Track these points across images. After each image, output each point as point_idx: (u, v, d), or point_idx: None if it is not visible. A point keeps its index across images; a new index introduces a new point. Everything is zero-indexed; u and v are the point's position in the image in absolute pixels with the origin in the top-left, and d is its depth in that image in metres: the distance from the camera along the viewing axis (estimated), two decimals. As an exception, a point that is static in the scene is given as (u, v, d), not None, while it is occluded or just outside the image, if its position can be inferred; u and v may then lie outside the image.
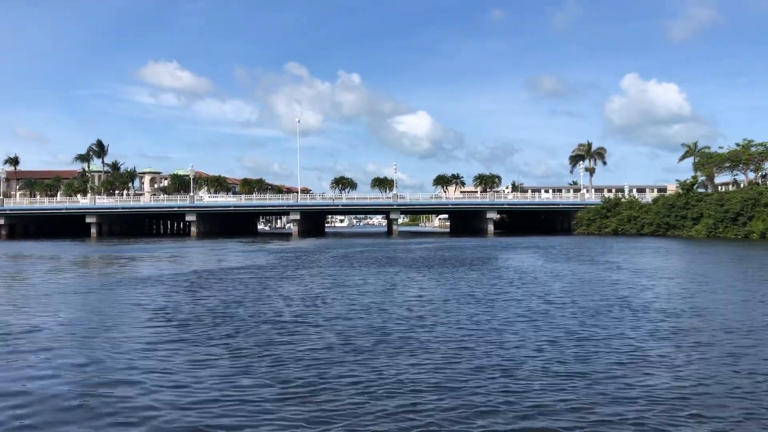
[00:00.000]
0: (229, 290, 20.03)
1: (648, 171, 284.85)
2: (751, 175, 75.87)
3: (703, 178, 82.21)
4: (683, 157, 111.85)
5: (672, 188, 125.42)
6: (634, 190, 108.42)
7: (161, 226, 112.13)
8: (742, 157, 74.74)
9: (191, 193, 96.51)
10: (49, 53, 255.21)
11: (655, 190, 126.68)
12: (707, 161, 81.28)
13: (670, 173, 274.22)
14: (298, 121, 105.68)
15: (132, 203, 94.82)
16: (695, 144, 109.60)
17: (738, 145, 75.94)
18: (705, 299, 17.30)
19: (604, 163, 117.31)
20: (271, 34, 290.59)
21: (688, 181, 78.13)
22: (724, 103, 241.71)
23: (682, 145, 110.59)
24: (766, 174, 75.28)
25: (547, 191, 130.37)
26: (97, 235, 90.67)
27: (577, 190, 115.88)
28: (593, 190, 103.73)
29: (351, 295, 18.50)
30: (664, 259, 34.62)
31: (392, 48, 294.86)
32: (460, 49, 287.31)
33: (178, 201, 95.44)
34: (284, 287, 20.77)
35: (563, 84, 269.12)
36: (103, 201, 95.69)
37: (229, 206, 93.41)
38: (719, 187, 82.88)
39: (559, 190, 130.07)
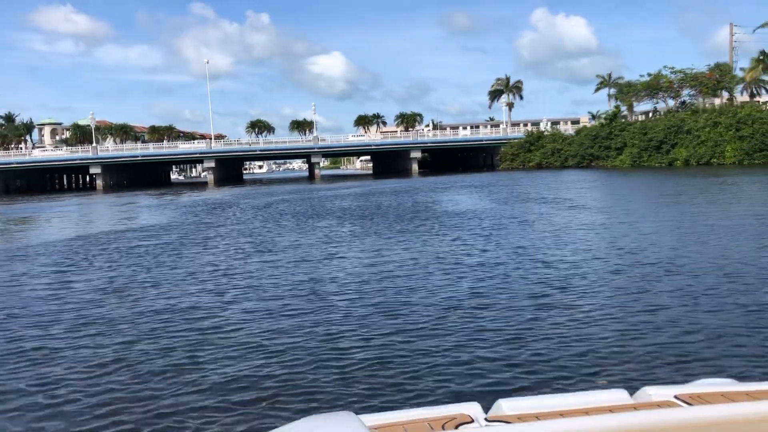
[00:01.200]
0: (116, 265, 14.97)
1: (558, 104, 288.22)
2: (671, 103, 74.62)
3: (624, 108, 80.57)
4: (598, 88, 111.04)
5: (585, 120, 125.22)
6: (549, 124, 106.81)
7: (64, 181, 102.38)
8: (662, 85, 73.14)
9: (93, 144, 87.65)
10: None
11: (569, 122, 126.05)
12: (627, 91, 79.50)
13: (580, 106, 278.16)
14: (207, 62, 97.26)
15: (28, 158, 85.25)
16: (609, 75, 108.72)
17: (650, 74, 74.36)
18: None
19: (521, 97, 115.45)
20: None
21: (610, 112, 76.30)
22: (629, 35, 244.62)
23: (597, 76, 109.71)
24: (684, 101, 74.09)
25: (465, 128, 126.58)
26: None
27: (495, 126, 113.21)
28: (511, 125, 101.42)
29: (278, 267, 13.79)
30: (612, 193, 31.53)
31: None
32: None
33: (79, 153, 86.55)
34: (188, 257, 15.88)
35: (475, 20, 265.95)
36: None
37: (137, 156, 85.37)
38: (637, 117, 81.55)
39: (477, 127, 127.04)
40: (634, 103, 78.71)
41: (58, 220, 32.43)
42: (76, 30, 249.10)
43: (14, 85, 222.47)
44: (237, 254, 15.86)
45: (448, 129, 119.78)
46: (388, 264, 13.18)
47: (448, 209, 25.57)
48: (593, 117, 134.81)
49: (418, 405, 4.62)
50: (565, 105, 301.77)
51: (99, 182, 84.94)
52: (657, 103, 77.11)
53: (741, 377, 4.82)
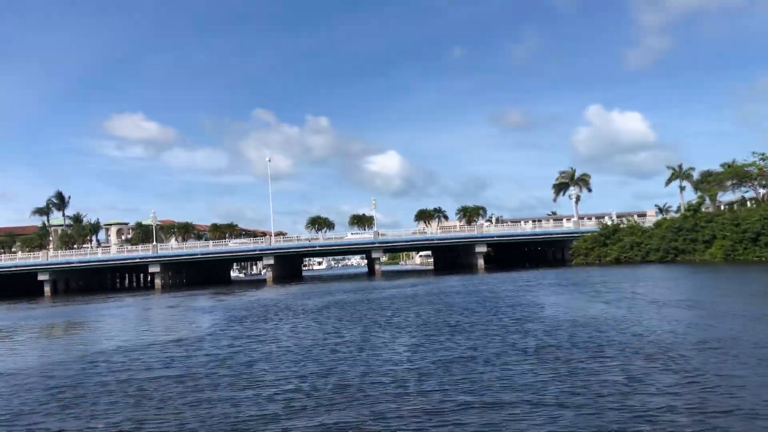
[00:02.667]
0: (105, 410, 9.35)
1: (618, 199, 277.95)
2: (762, 191, 66.96)
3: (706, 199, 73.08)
4: (669, 180, 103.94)
5: (651, 213, 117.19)
6: (615, 217, 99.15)
7: (126, 281, 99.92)
8: (751, 173, 65.95)
9: (153, 242, 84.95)
10: (12, 110, 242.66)
11: (635, 216, 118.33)
12: (710, 180, 72.47)
13: (641, 200, 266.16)
14: (269, 160, 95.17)
15: (88, 257, 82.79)
16: (680, 166, 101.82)
17: (731, 163, 67.46)
18: None
19: (590, 190, 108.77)
20: (236, 82, 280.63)
21: (694, 202, 69.04)
22: (686, 129, 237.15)
23: (667, 168, 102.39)
24: (776, 189, 66.48)
25: (526, 222, 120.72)
26: (51, 293, 78.50)
27: (557, 220, 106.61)
28: (579, 218, 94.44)
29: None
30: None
31: (358, 90, 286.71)
32: (425, 88, 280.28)
33: (139, 251, 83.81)
34: (210, 400, 10.16)
35: (528, 117, 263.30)
36: (58, 256, 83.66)
37: (196, 254, 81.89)
38: (719, 207, 73.78)
39: (539, 221, 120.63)
40: (719, 193, 71.21)
41: (84, 329, 27.48)
42: (146, 136, 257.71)
43: (88, 189, 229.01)
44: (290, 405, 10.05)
45: (508, 223, 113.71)
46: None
47: (545, 314, 19.37)
48: (660, 210, 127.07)
49: None
50: (626, 199, 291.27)
51: (157, 281, 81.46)
52: (746, 192, 69.50)
53: None
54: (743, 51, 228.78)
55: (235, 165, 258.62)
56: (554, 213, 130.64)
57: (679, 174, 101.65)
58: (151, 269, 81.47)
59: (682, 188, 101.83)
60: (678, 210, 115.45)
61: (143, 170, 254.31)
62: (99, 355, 16.93)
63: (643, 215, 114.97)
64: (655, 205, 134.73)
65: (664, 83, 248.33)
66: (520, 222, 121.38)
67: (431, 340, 16.00)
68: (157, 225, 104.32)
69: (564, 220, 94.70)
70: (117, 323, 28.68)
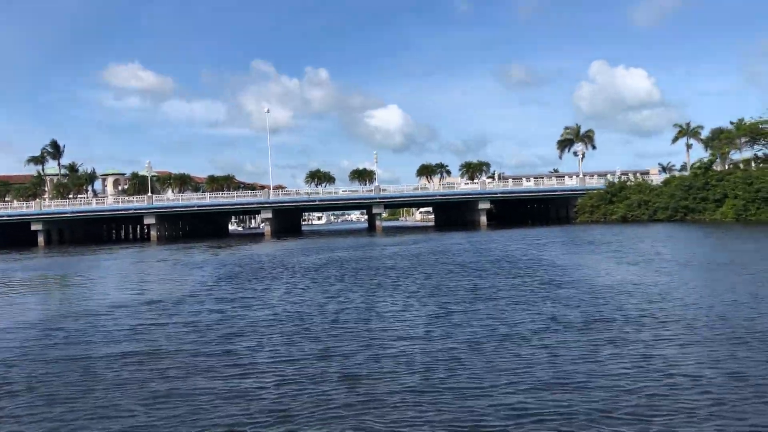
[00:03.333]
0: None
1: (621, 157, 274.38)
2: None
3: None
4: (676, 138, 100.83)
5: (654, 172, 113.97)
6: (621, 174, 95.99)
7: (121, 232, 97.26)
8: (766, 130, 62.70)
9: (149, 194, 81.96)
10: (9, 58, 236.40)
11: (638, 174, 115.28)
12: (722, 138, 69.24)
13: (643, 159, 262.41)
14: (267, 111, 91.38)
15: (82, 207, 79.87)
16: (688, 124, 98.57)
17: (745, 120, 63.94)
18: None
19: (594, 147, 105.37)
20: (235, 33, 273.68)
21: (706, 160, 66.02)
22: (692, 88, 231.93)
23: (674, 125, 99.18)
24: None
25: (528, 180, 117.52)
26: (45, 243, 76.00)
27: (560, 177, 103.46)
28: (583, 176, 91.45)
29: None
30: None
31: (359, 43, 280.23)
32: (428, 42, 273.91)
33: (134, 203, 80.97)
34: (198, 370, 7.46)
35: (532, 72, 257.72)
36: (52, 206, 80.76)
37: (192, 206, 79.01)
38: (730, 166, 70.60)
39: (541, 178, 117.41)
40: (732, 152, 67.93)
41: (58, 285, 24.85)
42: (144, 86, 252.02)
43: (86, 139, 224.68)
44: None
45: (510, 180, 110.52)
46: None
47: (563, 273, 16.73)
48: (663, 169, 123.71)
49: None
50: (629, 158, 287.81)
51: (153, 233, 78.94)
52: (759, 150, 66.28)
53: None
54: (751, 9, 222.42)
55: (234, 117, 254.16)
56: (556, 170, 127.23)
57: (686, 132, 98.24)
58: (146, 221, 78.86)
59: (689, 146, 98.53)
60: (682, 169, 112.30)
61: (142, 121, 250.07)
62: (58, 320, 14.25)
63: (645, 173, 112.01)
64: (659, 164, 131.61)
65: (670, 41, 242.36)
66: (522, 179, 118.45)
67: (449, 309, 13.31)
68: (154, 176, 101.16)
69: (566, 178, 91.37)
70: (98, 278, 26.02)
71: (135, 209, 78.84)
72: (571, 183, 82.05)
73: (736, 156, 67.99)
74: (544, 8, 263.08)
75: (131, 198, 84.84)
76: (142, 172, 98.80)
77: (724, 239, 33.57)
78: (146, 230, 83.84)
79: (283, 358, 9.43)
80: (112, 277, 26.76)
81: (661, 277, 17.42)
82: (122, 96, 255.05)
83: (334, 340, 10.56)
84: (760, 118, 63.23)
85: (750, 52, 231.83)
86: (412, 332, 11.00)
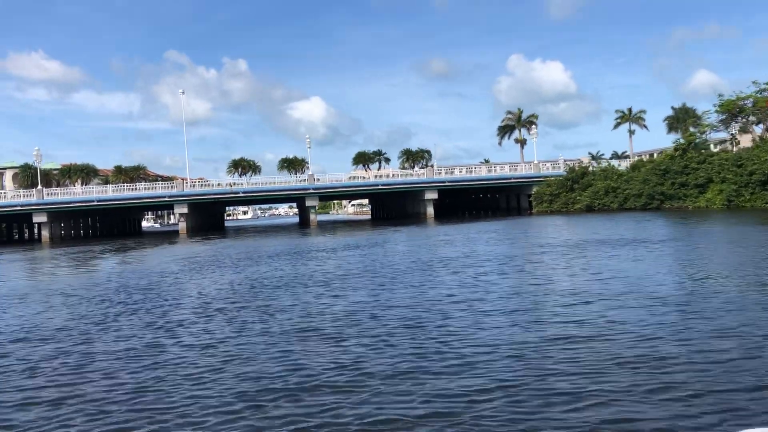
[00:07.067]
0: None
1: (540, 149, 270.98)
2: (760, 128, 55.78)
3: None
4: (618, 124, 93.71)
5: (585, 161, 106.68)
6: (563, 162, 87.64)
7: (12, 232, 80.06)
8: (747, 107, 54.50)
9: (39, 187, 66.06)
10: None
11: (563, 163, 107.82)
12: (694, 117, 61.01)
13: (561, 150, 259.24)
14: (182, 93, 76.86)
15: (-46, 204, 63.35)
16: (630, 110, 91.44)
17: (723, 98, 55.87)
18: None
19: (537, 133, 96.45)
20: (147, 21, 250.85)
21: (682, 141, 57.32)
22: (605, 80, 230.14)
23: (616, 111, 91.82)
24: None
25: (461, 170, 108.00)
26: None
27: (513, 165, 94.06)
28: (537, 162, 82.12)
29: None
30: None
31: (278, 34, 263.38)
32: (349, 35, 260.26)
33: (21, 198, 65.20)
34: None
35: (452, 66, 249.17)
36: None
37: (91, 200, 63.85)
38: (712, 147, 61.94)
39: (472, 168, 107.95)
40: (708, 133, 59.40)
41: None
42: (48, 77, 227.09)
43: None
44: None
45: (443, 171, 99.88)
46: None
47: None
48: (593, 158, 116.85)
49: None
50: (548, 149, 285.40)
51: (45, 233, 63.50)
52: (736, 130, 58.17)
53: None
54: (660, 4, 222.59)
55: (149, 110, 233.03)
56: (487, 161, 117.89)
57: (628, 117, 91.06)
58: (36, 219, 63.30)
59: (631, 132, 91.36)
60: (613, 157, 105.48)
61: (52, 114, 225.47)
62: None
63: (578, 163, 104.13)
64: (588, 153, 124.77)
65: (584, 35, 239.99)
66: (455, 169, 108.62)
67: None
68: (54, 169, 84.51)
69: (508, 167, 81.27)
70: None
71: (21, 205, 63.11)
72: (523, 171, 72.13)
73: (713, 136, 59.83)
74: (461, 1, 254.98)
75: (18, 192, 68.84)
76: (47, 166, 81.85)
77: (754, 234, 23.51)
78: (40, 230, 67.79)
79: None
80: None
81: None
82: (25, 87, 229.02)
83: None
84: (741, 93, 55.00)
85: (659, 46, 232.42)
86: None
